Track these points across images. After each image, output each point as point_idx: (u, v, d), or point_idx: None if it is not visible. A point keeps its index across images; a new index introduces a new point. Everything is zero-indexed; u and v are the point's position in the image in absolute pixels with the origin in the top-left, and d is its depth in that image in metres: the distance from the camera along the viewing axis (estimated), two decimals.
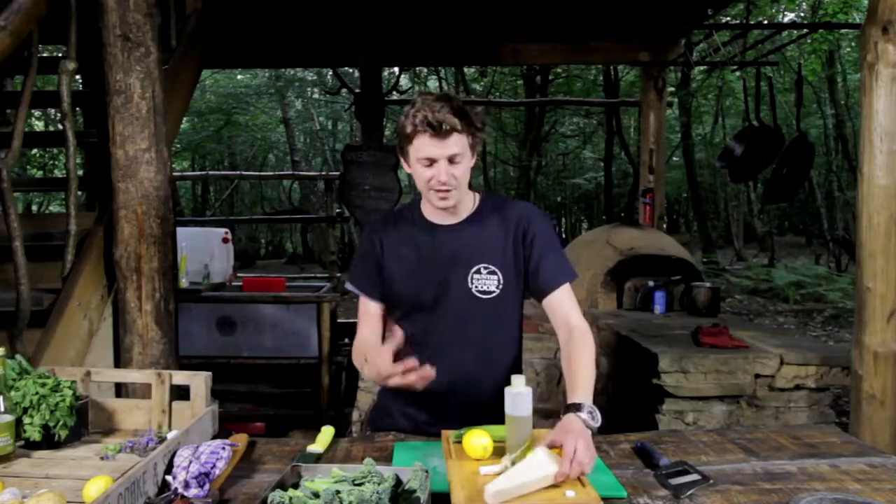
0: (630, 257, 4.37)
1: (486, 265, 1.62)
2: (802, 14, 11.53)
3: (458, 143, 1.50)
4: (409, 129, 1.49)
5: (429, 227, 1.66)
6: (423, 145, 1.49)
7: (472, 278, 1.62)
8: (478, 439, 1.37)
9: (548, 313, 1.64)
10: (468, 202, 1.66)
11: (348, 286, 1.71)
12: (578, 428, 1.29)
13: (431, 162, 1.50)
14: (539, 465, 1.24)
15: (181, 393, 1.61)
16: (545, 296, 1.61)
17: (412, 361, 1.38)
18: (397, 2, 4.39)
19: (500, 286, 1.62)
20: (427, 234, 1.65)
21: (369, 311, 1.69)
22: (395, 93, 7.95)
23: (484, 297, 1.62)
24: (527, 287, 1.66)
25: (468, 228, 1.65)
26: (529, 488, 1.20)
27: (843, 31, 9.72)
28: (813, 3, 10.83)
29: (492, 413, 1.49)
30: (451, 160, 1.50)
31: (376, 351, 1.45)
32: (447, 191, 1.53)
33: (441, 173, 1.50)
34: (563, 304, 1.59)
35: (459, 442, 1.45)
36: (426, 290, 1.62)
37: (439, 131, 1.46)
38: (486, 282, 1.62)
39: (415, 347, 1.63)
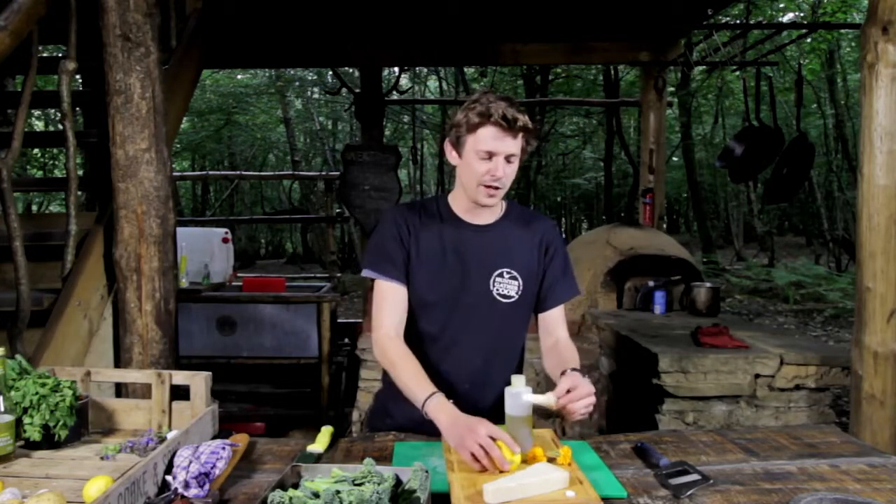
0: (630, 257, 4.37)
1: (508, 270, 1.63)
2: (802, 14, 11.51)
3: (518, 144, 1.51)
4: (476, 119, 1.48)
5: (457, 223, 1.64)
6: (488, 137, 1.49)
7: (494, 281, 1.62)
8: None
9: (539, 325, 1.73)
10: (497, 206, 1.67)
11: (366, 273, 1.62)
12: (580, 375, 1.43)
13: (491, 156, 1.50)
14: (541, 468, 1.24)
15: (181, 393, 1.61)
16: (544, 310, 1.71)
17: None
18: (397, 2, 4.39)
19: (519, 292, 1.64)
20: (454, 230, 1.64)
21: (391, 297, 1.60)
22: (395, 93, 7.93)
23: (503, 300, 1.63)
24: None
25: (495, 231, 1.65)
26: (529, 489, 1.20)
27: (843, 31, 9.71)
28: (813, 3, 10.82)
29: (492, 415, 1.49)
30: (508, 159, 1.51)
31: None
32: (497, 188, 1.53)
33: (498, 168, 1.50)
34: (556, 322, 1.71)
35: None
36: (448, 286, 1.61)
37: (512, 127, 1.47)
38: (507, 286, 1.63)
39: (426, 342, 1.63)
